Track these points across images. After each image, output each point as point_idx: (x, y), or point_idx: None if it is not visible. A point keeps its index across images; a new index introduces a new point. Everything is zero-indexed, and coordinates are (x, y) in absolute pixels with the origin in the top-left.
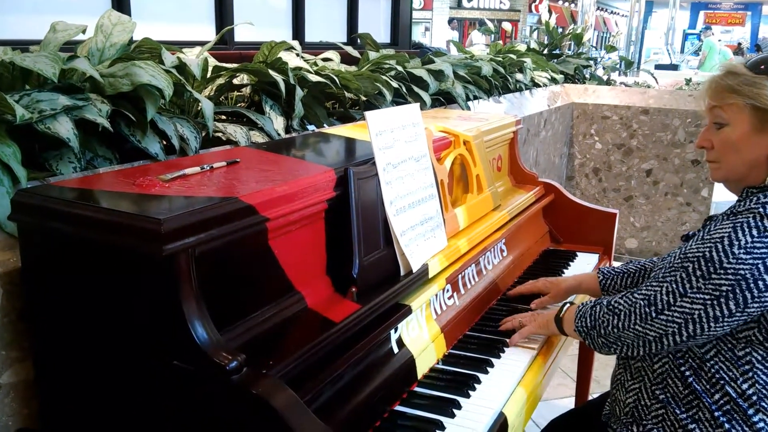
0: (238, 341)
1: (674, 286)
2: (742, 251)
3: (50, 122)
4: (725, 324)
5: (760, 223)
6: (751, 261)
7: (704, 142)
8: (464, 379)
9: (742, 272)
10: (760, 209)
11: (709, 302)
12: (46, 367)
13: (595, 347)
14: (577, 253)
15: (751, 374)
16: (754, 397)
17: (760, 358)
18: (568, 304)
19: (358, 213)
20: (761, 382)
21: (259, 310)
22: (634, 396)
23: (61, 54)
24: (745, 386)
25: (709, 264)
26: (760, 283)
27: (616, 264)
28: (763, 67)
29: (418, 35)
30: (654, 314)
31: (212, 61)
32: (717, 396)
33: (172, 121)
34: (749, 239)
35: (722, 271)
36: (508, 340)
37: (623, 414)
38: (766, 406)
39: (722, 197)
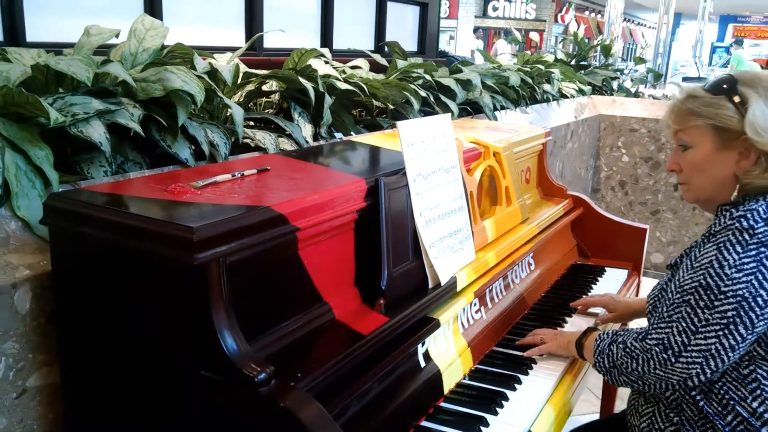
0: (266, 352)
1: (684, 324)
2: (734, 270)
3: (83, 126)
4: (741, 349)
5: (741, 238)
6: (744, 279)
7: (673, 166)
8: (492, 395)
9: (740, 293)
10: (736, 224)
11: (721, 333)
12: (72, 372)
13: (617, 384)
14: (606, 269)
15: (759, 392)
16: (766, 415)
17: (765, 374)
18: (590, 331)
19: (387, 224)
20: None
21: (287, 321)
22: (648, 420)
23: (95, 58)
24: (755, 404)
25: (709, 292)
26: (759, 299)
27: (645, 280)
28: (724, 86)
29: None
30: (673, 359)
31: (242, 68)
32: (729, 417)
33: (202, 127)
34: (736, 257)
35: (723, 297)
36: (524, 354)
37: None
38: None
39: None
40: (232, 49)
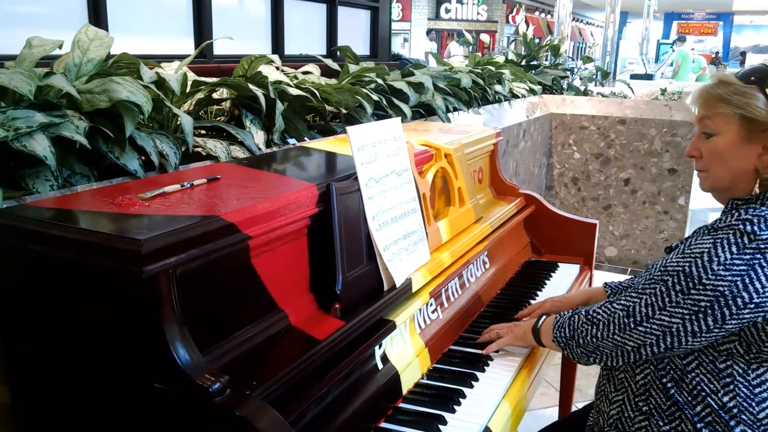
0: (221, 362)
1: (653, 299)
2: (721, 268)
3: (26, 140)
4: (703, 339)
5: (739, 240)
6: (730, 278)
7: (693, 152)
8: (449, 393)
9: (720, 289)
10: (740, 226)
11: (687, 317)
12: (23, 391)
13: (573, 357)
14: (559, 264)
15: (732, 386)
16: (735, 410)
17: (740, 371)
18: (544, 316)
19: (340, 229)
20: (742, 395)
21: (241, 330)
22: (618, 408)
23: (37, 70)
24: (726, 399)
25: (689, 279)
26: (739, 300)
27: (599, 273)
28: (753, 77)
29: (397, 46)
30: (633, 325)
31: (191, 76)
32: (699, 408)
33: (151, 137)
34: (729, 256)
35: (701, 287)
36: (482, 352)
37: (607, 425)
38: (746, 418)
39: (699, 205)
40: (181, 58)
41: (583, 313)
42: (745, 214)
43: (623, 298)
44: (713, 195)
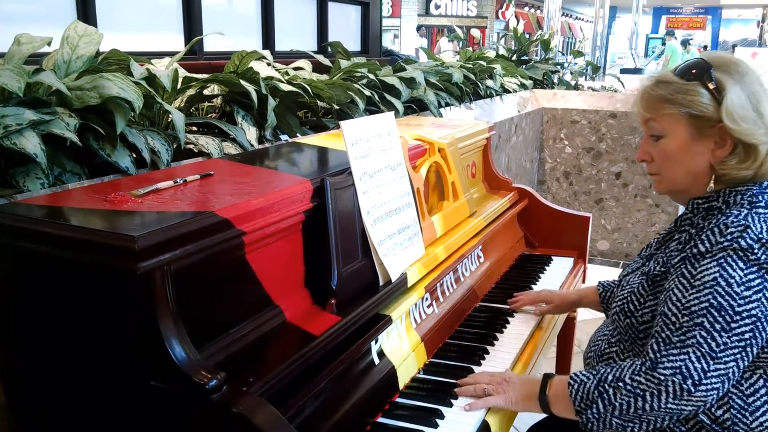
0: (217, 358)
1: (702, 349)
2: (743, 288)
3: (16, 138)
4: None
5: (742, 255)
6: (755, 297)
7: (644, 156)
8: (446, 387)
9: (754, 312)
10: (734, 245)
11: (738, 355)
12: (16, 391)
13: (602, 428)
14: (552, 257)
15: (726, 399)
16: (728, 423)
17: (734, 382)
18: (549, 379)
19: (335, 224)
20: (736, 407)
21: (237, 326)
22: None
23: (26, 67)
24: (719, 412)
25: (723, 312)
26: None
27: (592, 267)
28: (694, 71)
29: (387, 42)
30: (692, 389)
31: (182, 72)
32: (690, 424)
33: (142, 134)
34: (741, 273)
35: (738, 318)
36: (465, 407)
37: None
38: (739, 430)
39: None
40: (171, 54)
41: (620, 384)
42: (726, 228)
43: (664, 359)
44: (671, 197)
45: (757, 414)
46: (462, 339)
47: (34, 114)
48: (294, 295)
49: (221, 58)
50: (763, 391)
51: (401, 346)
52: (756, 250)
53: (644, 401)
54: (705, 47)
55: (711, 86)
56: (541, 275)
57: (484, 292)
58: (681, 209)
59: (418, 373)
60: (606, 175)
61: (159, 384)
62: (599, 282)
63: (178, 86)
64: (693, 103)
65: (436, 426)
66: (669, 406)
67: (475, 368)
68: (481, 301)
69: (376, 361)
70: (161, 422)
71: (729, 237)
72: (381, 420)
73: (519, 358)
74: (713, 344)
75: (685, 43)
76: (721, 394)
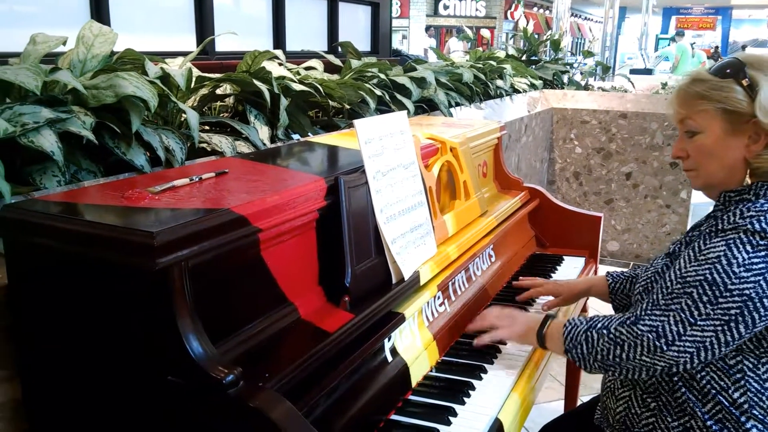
0: (233, 354)
1: (682, 314)
2: (742, 269)
3: (33, 135)
4: (734, 345)
5: (752, 238)
6: (753, 279)
7: (680, 152)
8: (458, 386)
9: (747, 292)
10: (748, 225)
11: (719, 328)
12: (35, 387)
13: (586, 368)
14: (564, 257)
15: (743, 382)
16: (746, 406)
17: (751, 365)
18: (550, 319)
19: (349, 222)
20: (753, 390)
21: (252, 323)
22: (625, 404)
23: (43, 66)
24: (736, 395)
25: (714, 287)
26: (765, 300)
27: (602, 267)
28: (728, 71)
29: (396, 43)
30: (665, 347)
31: (195, 72)
32: (709, 406)
33: (157, 133)
34: (746, 255)
35: (728, 294)
36: (474, 342)
37: (615, 422)
38: (757, 413)
39: (701, 198)
40: (183, 55)
41: (604, 331)
42: (747, 211)
43: (646, 317)
44: (705, 192)
45: None
46: (474, 338)
47: (51, 112)
48: (308, 292)
49: (233, 58)
50: None
51: (414, 344)
52: None
53: (622, 350)
54: (716, 48)
55: (745, 83)
56: (552, 275)
57: (496, 292)
58: (692, 210)
59: (431, 371)
60: (616, 176)
61: (176, 379)
62: (608, 272)
63: (192, 85)
64: (728, 99)
65: (449, 423)
66: (643, 358)
67: (488, 366)
68: (493, 300)
69: (389, 358)
70: (178, 417)
71: (746, 219)
72: (394, 417)
73: (531, 358)
74: (695, 312)
75: (681, 33)
76: (697, 362)
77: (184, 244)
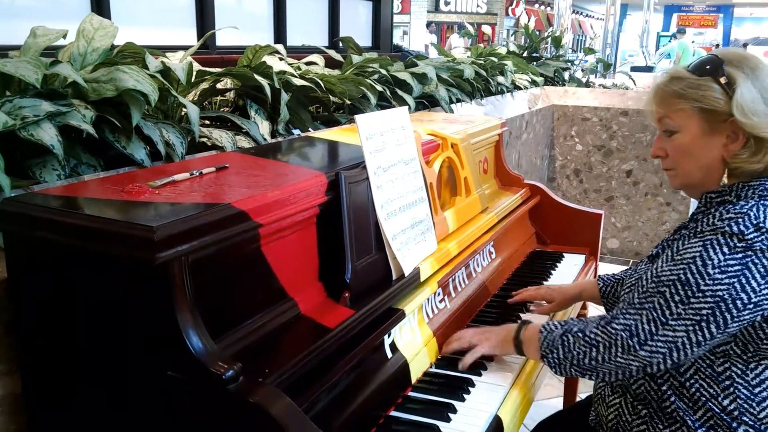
0: (233, 349)
1: (654, 314)
2: (717, 271)
3: (33, 129)
4: (707, 346)
5: (729, 240)
6: (727, 280)
7: (658, 151)
8: (458, 382)
9: (720, 293)
10: (726, 228)
11: (691, 328)
12: (34, 381)
13: (563, 374)
14: (564, 254)
15: (732, 389)
16: (736, 412)
17: (739, 372)
18: (525, 324)
19: (349, 217)
20: (742, 396)
21: (252, 318)
22: (615, 411)
23: (43, 59)
24: (726, 402)
25: (686, 287)
26: (738, 302)
27: (602, 265)
28: (708, 67)
29: (397, 39)
30: (637, 346)
31: (195, 66)
32: (699, 413)
33: (157, 127)
34: (721, 257)
35: (700, 294)
36: (459, 366)
37: (607, 428)
38: (747, 419)
39: None
40: (184, 48)
41: (579, 334)
42: (727, 213)
43: (620, 316)
44: (685, 191)
45: (764, 404)
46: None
47: (51, 105)
48: (308, 288)
49: (233, 52)
50: None
51: (414, 340)
52: (747, 234)
53: (597, 352)
54: (717, 46)
55: (723, 80)
56: (552, 272)
57: (496, 288)
58: (692, 207)
59: (430, 367)
60: (617, 173)
61: (176, 374)
62: (599, 276)
63: (192, 79)
64: (704, 98)
65: (448, 420)
66: (618, 359)
67: (488, 363)
68: (493, 297)
69: (389, 354)
70: (178, 412)
71: (725, 221)
72: (394, 413)
73: None
74: (667, 312)
75: (682, 31)
76: (670, 362)
77: (185, 239)
